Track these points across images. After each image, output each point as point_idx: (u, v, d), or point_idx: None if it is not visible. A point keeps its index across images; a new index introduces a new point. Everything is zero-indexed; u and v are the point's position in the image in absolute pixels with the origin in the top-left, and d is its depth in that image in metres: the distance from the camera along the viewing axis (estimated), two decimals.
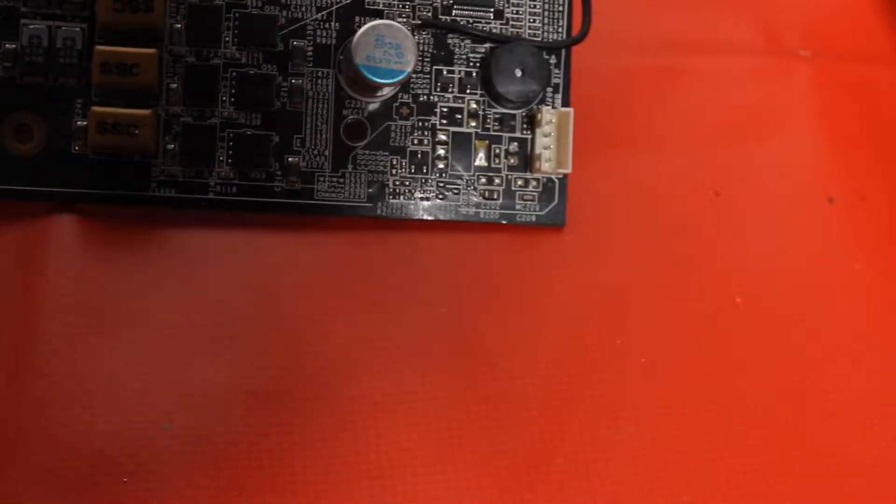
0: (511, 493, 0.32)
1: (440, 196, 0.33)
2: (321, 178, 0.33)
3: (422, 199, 0.33)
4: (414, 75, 0.33)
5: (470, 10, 0.34)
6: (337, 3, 0.33)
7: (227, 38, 0.32)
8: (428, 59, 0.34)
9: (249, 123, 0.32)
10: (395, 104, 0.33)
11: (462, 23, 0.34)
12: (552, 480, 0.33)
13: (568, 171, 0.33)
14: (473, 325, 0.33)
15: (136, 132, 0.30)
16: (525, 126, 0.34)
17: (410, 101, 0.33)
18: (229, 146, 0.32)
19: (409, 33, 0.31)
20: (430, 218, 0.33)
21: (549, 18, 0.35)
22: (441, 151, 0.34)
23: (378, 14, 0.33)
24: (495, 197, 0.34)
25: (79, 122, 0.31)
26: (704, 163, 0.37)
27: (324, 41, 0.33)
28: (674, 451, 0.33)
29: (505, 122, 0.34)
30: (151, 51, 0.30)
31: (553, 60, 0.34)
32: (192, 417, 0.31)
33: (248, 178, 0.32)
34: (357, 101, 0.33)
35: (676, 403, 0.34)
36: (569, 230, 0.35)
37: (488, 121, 0.34)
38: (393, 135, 0.33)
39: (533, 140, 0.34)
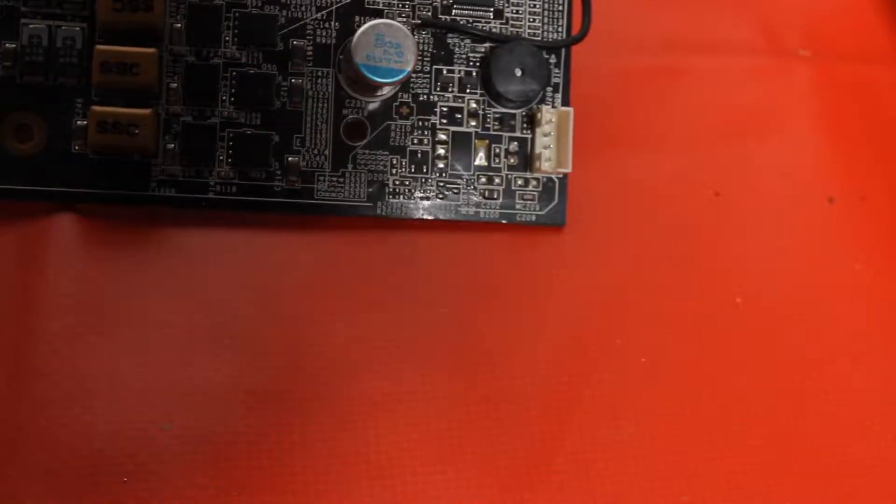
0: (511, 493, 0.32)
1: (440, 196, 0.33)
2: (321, 178, 0.33)
3: (422, 198, 0.33)
4: (414, 75, 0.33)
5: (470, 10, 0.34)
6: (337, 2, 0.33)
7: (227, 38, 0.32)
8: (428, 59, 0.34)
9: (249, 123, 0.32)
10: (395, 104, 0.33)
11: (462, 22, 0.34)
12: (552, 480, 0.32)
13: (568, 170, 0.33)
14: (473, 325, 0.33)
15: (136, 131, 0.30)
16: (525, 126, 0.34)
17: (410, 100, 0.33)
18: (229, 146, 0.32)
19: (408, 33, 0.31)
20: (430, 218, 0.33)
21: (548, 18, 0.35)
22: (441, 151, 0.34)
23: (378, 13, 0.33)
24: (495, 197, 0.34)
25: (79, 122, 0.31)
26: (704, 163, 0.37)
27: (324, 41, 0.33)
28: (674, 451, 0.33)
29: (505, 121, 0.34)
30: (151, 50, 0.30)
31: (553, 60, 0.34)
32: (192, 417, 0.31)
33: (248, 178, 0.32)
34: (357, 100, 0.33)
35: (676, 403, 0.34)
36: (569, 230, 0.35)
37: (488, 120, 0.34)
38: (393, 134, 0.33)
39: (533, 139, 0.34)
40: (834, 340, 0.36)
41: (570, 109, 0.33)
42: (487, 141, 0.34)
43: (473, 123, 0.34)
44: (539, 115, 0.34)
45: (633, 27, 0.38)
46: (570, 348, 0.34)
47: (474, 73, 0.34)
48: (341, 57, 0.33)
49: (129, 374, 0.31)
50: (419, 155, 0.33)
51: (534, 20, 0.34)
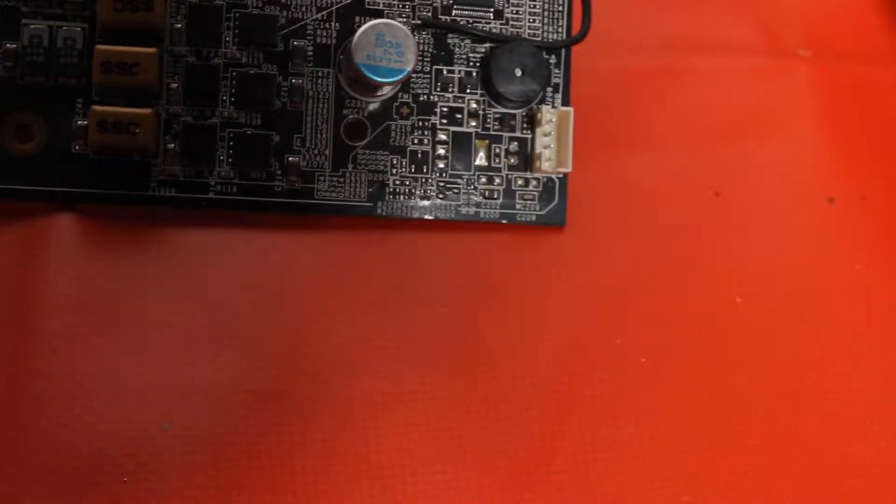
0: (511, 493, 0.32)
1: (440, 196, 0.33)
2: (321, 178, 0.33)
3: (422, 198, 0.33)
4: (414, 75, 0.33)
5: (470, 10, 0.34)
6: (337, 3, 0.33)
7: (227, 38, 0.32)
8: (428, 59, 0.34)
9: (250, 123, 0.32)
10: (395, 104, 0.33)
11: (462, 23, 0.34)
12: (552, 480, 0.32)
13: (568, 170, 0.33)
14: (473, 325, 0.33)
15: (137, 131, 0.30)
16: (525, 126, 0.34)
17: (410, 100, 0.33)
18: (229, 146, 0.32)
19: (409, 32, 0.31)
20: (430, 218, 0.33)
21: (548, 18, 0.35)
22: (441, 151, 0.34)
23: (378, 14, 0.33)
24: (495, 196, 0.34)
25: (79, 122, 0.31)
26: (704, 163, 0.37)
27: (324, 41, 0.33)
28: (674, 451, 0.33)
29: (505, 121, 0.34)
30: (152, 50, 0.30)
31: (553, 60, 0.34)
32: (192, 417, 0.31)
33: (249, 178, 0.32)
34: (357, 100, 0.33)
35: (676, 403, 0.34)
36: (569, 230, 0.35)
37: (488, 120, 0.34)
38: (393, 134, 0.33)
39: (533, 139, 0.34)
40: (834, 340, 0.36)
41: (570, 109, 0.33)
42: (487, 141, 0.34)
43: (473, 123, 0.34)
44: (539, 115, 0.34)
45: (633, 27, 0.38)
46: (570, 348, 0.34)
47: (474, 74, 0.34)
48: (341, 57, 0.33)
49: (129, 374, 0.31)
50: (419, 155, 0.33)
51: (534, 20, 0.34)
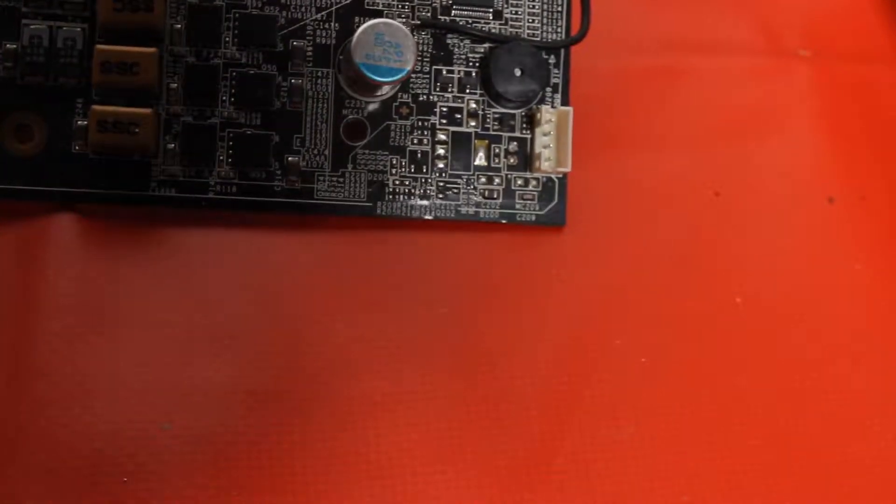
0: (511, 493, 0.32)
1: (440, 196, 0.33)
2: (321, 178, 0.33)
3: (422, 198, 0.33)
4: (413, 75, 0.33)
5: (469, 11, 0.34)
6: (336, 3, 0.33)
7: (227, 39, 0.32)
8: (427, 59, 0.34)
9: (249, 123, 0.32)
10: (394, 104, 0.33)
11: (461, 23, 0.34)
12: (552, 480, 0.32)
13: (567, 169, 0.33)
14: (473, 325, 0.33)
15: (137, 130, 0.30)
16: (524, 126, 0.34)
17: (410, 100, 0.33)
18: (229, 146, 0.32)
19: (408, 32, 0.31)
20: (430, 218, 0.33)
21: (548, 19, 0.35)
22: (441, 151, 0.34)
23: (377, 14, 0.33)
24: (495, 196, 0.34)
25: (79, 122, 0.31)
26: (704, 163, 0.37)
27: (323, 41, 0.33)
28: (674, 451, 0.33)
29: (504, 121, 0.34)
30: (152, 50, 0.30)
31: (552, 60, 0.34)
32: (192, 417, 0.31)
33: (248, 178, 0.32)
34: (357, 100, 0.33)
35: (676, 403, 0.34)
36: (569, 230, 0.35)
37: (488, 120, 0.34)
38: (392, 134, 0.33)
39: (532, 139, 0.34)
40: (834, 340, 0.36)
41: (570, 109, 0.33)
42: (487, 141, 0.34)
43: (473, 124, 0.34)
44: (538, 114, 0.34)
45: (633, 27, 0.38)
46: (570, 348, 0.34)
47: (474, 74, 0.34)
48: (341, 57, 0.33)
49: (129, 374, 0.31)
50: (419, 155, 0.33)
51: (533, 21, 0.34)
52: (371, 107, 0.33)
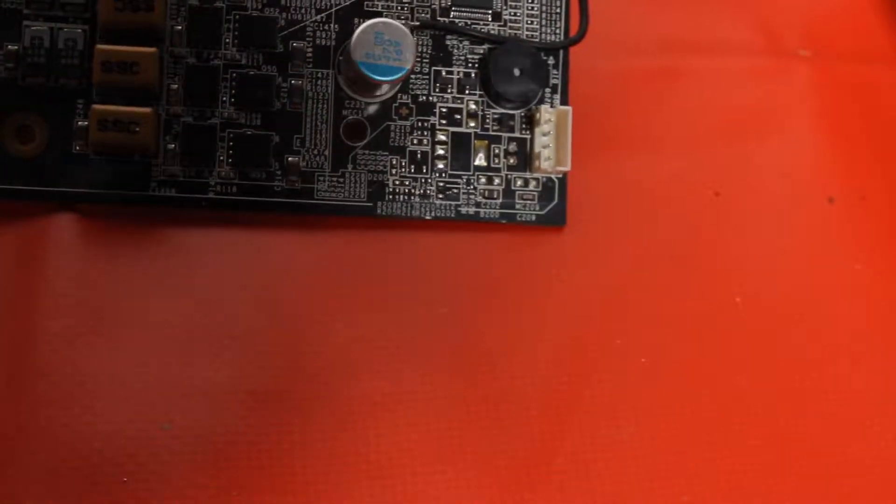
0: (511, 493, 0.32)
1: (440, 196, 0.33)
2: (321, 178, 0.33)
3: (421, 198, 0.33)
4: (413, 76, 0.33)
5: (468, 12, 0.34)
6: (336, 5, 0.33)
7: (227, 40, 0.32)
8: (427, 60, 0.34)
9: (249, 124, 0.32)
10: (394, 105, 0.33)
11: (460, 24, 0.34)
12: (552, 480, 0.32)
13: (567, 168, 0.33)
14: (473, 325, 0.33)
15: (137, 129, 0.30)
16: (524, 126, 0.34)
17: (409, 101, 0.33)
18: (229, 146, 0.32)
19: (407, 31, 0.31)
20: (429, 218, 0.33)
21: (546, 20, 0.35)
22: (441, 151, 0.34)
23: (377, 16, 0.33)
24: (495, 196, 0.34)
25: (80, 123, 0.31)
26: (704, 163, 0.37)
27: (323, 42, 0.33)
28: (674, 451, 0.33)
29: (504, 122, 0.34)
30: (152, 50, 0.30)
31: (551, 62, 0.34)
32: (192, 417, 0.31)
33: (249, 178, 0.32)
34: (356, 101, 0.33)
35: (676, 403, 0.34)
36: (569, 230, 0.35)
37: (487, 121, 0.34)
38: (392, 135, 0.33)
39: (532, 139, 0.34)
40: (834, 340, 0.36)
41: (569, 108, 0.33)
42: (487, 141, 0.34)
43: (473, 124, 0.34)
44: (538, 114, 0.34)
45: (633, 28, 0.38)
46: (570, 348, 0.34)
47: (473, 75, 0.34)
48: (340, 58, 0.33)
49: (129, 374, 0.31)
50: (419, 155, 0.33)
51: (531, 22, 0.34)
52: (371, 108, 0.33)
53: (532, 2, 0.34)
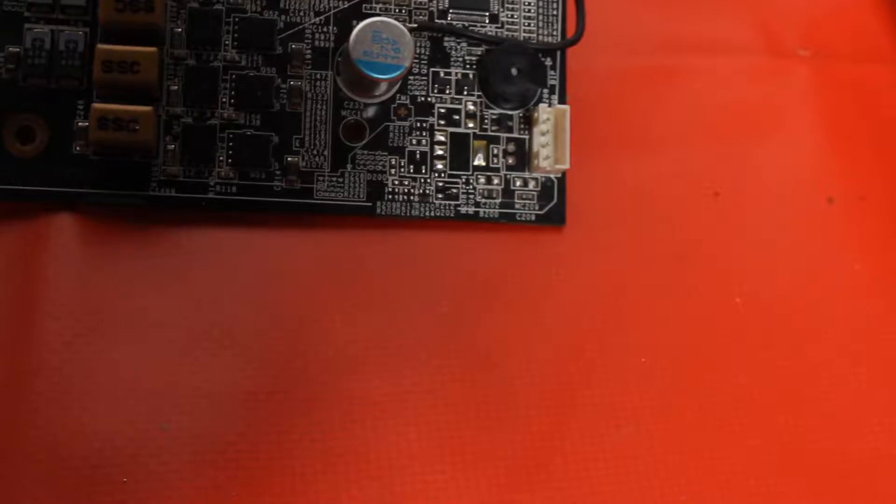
0: (511, 493, 0.32)
1: (439, 196, 0.34)
2: (320, 178, 0.33)
3: (421, 198, 0.33)
4: (411, 77, 0.33)
5: (466, 14, 0.34)
6: (335, 7, 0.33)
7: (226, 42, 0.32)
8: (425, 62, 0.34)
9: (249, 124, 0.32)
10: (392, 105, 0.33)
11: (458, 26, 0.34)
12: (552, 480, 0.32)
13: (566, 166, 0.33)
14: (473, 325, 0.33)
15: (136, 127, 0.30)
16: (522, 126, 0.34)
17: (408, 102, 0.33)
18: (229, 146, 0.32)
19: (405, 30, 0.31)
20: (429, 217, 0.33)
21: (543, 22, 0.35)
22: (440, 151, 0.34)
23: None
24: (494, 196, 0.34)
25: (80, 123, 0.31)
26: (704, 163, 0.37)
27: (322, 44, 0.33)
28: (673, 451, 0.33)
29: (502, 122, 0.34)
30: (152, 49, 0.30)
31: (549, 63, 0.35)
32: (191, 418, 0.31)
33: (248, 178, 0.32)
34: (356, 102, 0.33)
35: (676, 403, 0.34)
36: (569, 229, 0.35)
37: (486, 121, 0.34)
38: (391, 135, 0.33)
39: (530, 139, 0.34)
40: (834, 340, 0.36)
41: (567, 107, 0.34)
42: (486, 142, 0.34)
43: (471, 125, 0.34)
44: (536, 114, 0.34)
45: (632, 28, 0.38)
46: (569, 348, 0.34)
47: (471, 76, 0.34)
48: (339, 59, 0.33)
49: (129, 374, 0.31)
50: (418, 155, 0.33)
51: (529, 24, 0.35)
52: (370, 111, 0.33)
53: (529, 4, 0.35)
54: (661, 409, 0.34)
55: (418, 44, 0.34)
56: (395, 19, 0.33)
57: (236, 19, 0.32)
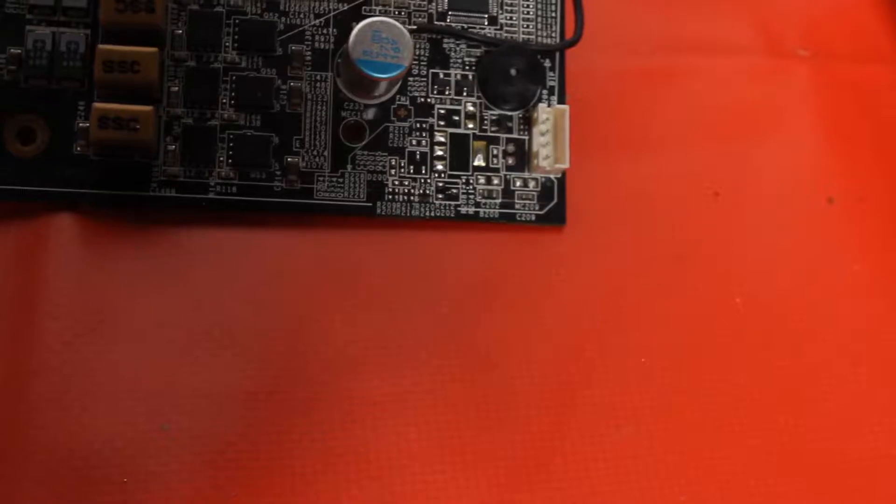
0: (511, 493, 0.32)
1: (439, 196, 0.34)
2: (321, 178, 0.33)
3: (421, 198, 0.33)
4: (411, 78, 0.33)
5: (465, 16, 0.34)
6: (334, 10, 0.33)
7: (227, 44, 0.32)
8: (424, 63, 0.34)
9: (249, 125, 0.32)
10: (392, 106, 0.33)
11: (457, 28, 0.34)
12: (552, 480, 0.32)
13: (566, 165, 0.33)
14: (473, 325, 0.33)
15: (137, 126, 0.30)
16: (522, 127, 0.34)
17: (408, 103, 0.34)
18: (229, 147, 0.32)
19: (404, 30, 0.31)
20: (429, 218, 0.33)
21: (542, 23, 0.35)
22: (439, 152, 0.34)
23: None
24: (494, 197, 0.34)
25: (80, 124, 0.31)
26: (704, 163, 0.37)
27: (322, 46, 0.33)
28: (673, 451, 0.33)
29: (502, 122, 0.34)
30: (153, 49, 0.31)
31: (547, 64, 0.35)
32: (191, 418, 0.31)
33: (248, 179, 0.32)
34: (355, 103, 0.33)
35: (676, 403, 0.34)
36: (569, 229, 0.35)
37: (485, 122, 0.34)
38: (391, 136, 0.33)
39: (530, 139, 0.34)
40: (833, 340, 0.35)
41: (566, 106, 0.34)
42: (485, 142, 0.34)
43: (471, 125, 0.34)
44: (535, 114, 0.34)
45: (632, 28, 0.38)
46: (569, 348, 0.34)
47: (470, 77, 0.34)
48: (339, 61, 0.33)
49: (129, 374, 0.31)
50: (417, 156, 0.33)
51: (527, 26, 0.35)
52: (370, 112, 0.33)
53: (528, 5, 0.35)
54: (661, 409, 0.34)
55: (418, 45, 0.34)
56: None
57: (237, 21, 0.32)
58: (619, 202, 0.36)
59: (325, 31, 0.33)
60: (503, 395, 0.33)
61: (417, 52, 0.34)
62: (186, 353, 0.31)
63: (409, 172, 0.33)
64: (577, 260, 0.35)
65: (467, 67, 0.34)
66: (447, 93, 0.34)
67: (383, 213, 0.33)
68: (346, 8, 0.33)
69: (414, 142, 0.33)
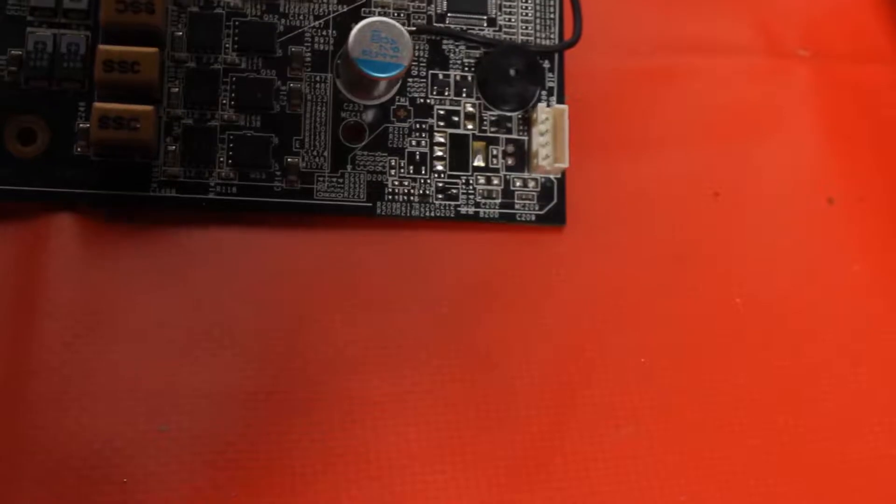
0: (511, 493, 0.32)
1: (439, 196, 0.34)
2: (320, 179, 0.33)
3: (420, 199, 0.33)
4: (410, 79, 0.34)
5: (464, 18, 0.34)
6: (334, 11, 0.33)
7: (227, 45, 0.32)
8: (424, 64, 0.34)
9: (249, 126, 0.32)
10: (392, 107, 0.33)
11: (456, 29, 0.34)
12: (552, 480, 0.32)
13: (565, 165, 0.33)
14: (473, 325, 0.33)
15: (137, 126, 0.30)
16: (521, 127, 0.34)
17: (407, 103, 0.34)
18: (229, 147, 0.32)
19: (404, 30, 0.31)
20: (429, 218, 0.34)
21: (540, 24, 0.35)
22: (439, 152, 0.34)
23: None
24: (494, 197, 0.34)
25: (81, 125, 0.31)
26: (704, 163, 0.37)
27: (322, 47, 0.33)
28: (673, 451, 0.33)
29: (501, 123, 0.34)
30: (153, 49, 0.31)
31: (547, 65, 0.35)
32: (191, 418, 0.31)
33: (248, 179, 0.32)
34: (355, 104, 0.33)
35: (676, 403, 0.34)
36: (569, 230, 0.35)
37: (485, 122, 0.34)
38: (391, 136, 0.33)
39: (529, 140, 0.34)
40: (833, 340, 0.35)
41: (565, 106, 0.34)
42: (485, 143, 0.34)
43: (470, 126, 0.34)
44: (534, 114, 0.34)
45: (632, 28, 0.38)
46: (569, 348, 0.34)
47: (470, 78, 0.34)
48: (338, 62, 0.33)
49: (128, 374, 0.31)
50: (417, 156, 0.33)
51: (526, 27, 0.35)
52: (370, 114, 0.33)
53: (526, 6, 0.35)
54: (661, 409, 0.34)
55: (417, 46, 0.34)
56: None
57: (236, 23, 0.33)
58: (619, 202, 0.35)
59: (324, 33, 0.33)
60: (503, 395, 0.33)
61: (417, 54, 0.34)
62: (186, 353, 0.31)
63: (408, 173, 0.33)
64: (577, 260, 0.35)
65: (466, 68, 0.34)
66: (446, 94, 0.34)
67: (383, 214, 0.33)
68: (345, 10, 0.33)
69: (413, 142, 0.34)
